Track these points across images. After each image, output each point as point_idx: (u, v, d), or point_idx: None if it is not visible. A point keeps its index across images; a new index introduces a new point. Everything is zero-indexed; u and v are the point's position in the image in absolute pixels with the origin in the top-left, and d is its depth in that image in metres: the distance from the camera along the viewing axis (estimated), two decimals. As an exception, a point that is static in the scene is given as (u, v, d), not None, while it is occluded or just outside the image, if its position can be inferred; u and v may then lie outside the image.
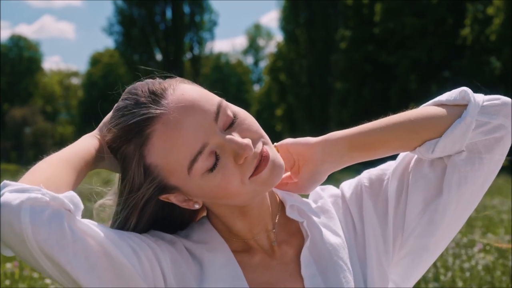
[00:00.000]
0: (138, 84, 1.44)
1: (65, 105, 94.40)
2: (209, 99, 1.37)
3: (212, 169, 1.34)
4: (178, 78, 1.45)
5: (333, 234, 1.52)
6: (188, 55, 53.81)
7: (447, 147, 1.46)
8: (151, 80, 1.45)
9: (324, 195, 1.61)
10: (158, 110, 1.34)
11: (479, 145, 1.48)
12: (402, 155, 1.58)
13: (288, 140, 1.53)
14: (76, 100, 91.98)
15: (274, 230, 1.51)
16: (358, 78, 38.76)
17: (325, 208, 1.58)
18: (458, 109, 1.48)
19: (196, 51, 54.00)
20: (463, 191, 1.47)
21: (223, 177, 1.35)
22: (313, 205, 1.59)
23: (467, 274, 6.88)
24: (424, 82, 36.65)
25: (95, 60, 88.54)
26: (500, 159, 1.50)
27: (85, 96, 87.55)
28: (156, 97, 1.36)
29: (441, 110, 1.49)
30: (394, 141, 1.48)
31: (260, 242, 1.51)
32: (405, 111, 1.53)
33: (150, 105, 1.35)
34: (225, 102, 1.39)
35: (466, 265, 7.23)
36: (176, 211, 1.53)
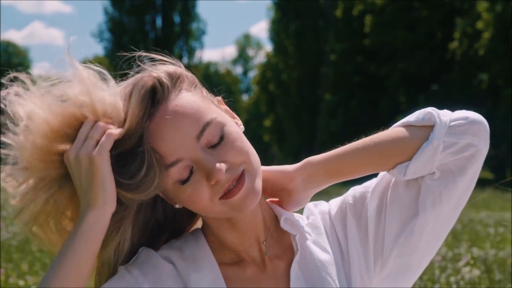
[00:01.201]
0: (150, 73, 1.43)
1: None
2: (200, 116, 1.37)
3: (184, 181, 1.37)
4: (189, 80, 1.46)
5: (322, 250, 1.54)
6: (178, 64, 53.91)
7: (418, 169, 1.47)
8: (169, 72, 1.44)
9: (315, 212, 1.63)
10: (153, 110, 1.37)
11: (451, 165, 1.48)
12: (382, 173, 1.58)
13: (263, 168, 1.52)
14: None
15: (265, 242, 1.52)
16: (347, 89, 38.84)
17: (315, 224, 1.59)
18: (426, 131, 1.48)
19: (185, 60, 54.04)
20: (438, 211, 1.48)
21: (193, 191, 1.38)
22: (306, 221, 1.61)
23: (454, 287, 6.90)
24: (413, 95, 36.76)
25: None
26: (474, 176, 1.51)
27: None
28: (156, 95, 1.38)
29: (409, 133, 1.49)
30: (367, 166, 1.50)
31: (252, 255, 1.52)
32: (380, 131, 1.55)
33: (149, 103, 1.37)
34: (216, 122, 1.38)
35: (452, 279, 7.25)
36: (169, 216, 1.57)
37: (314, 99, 43.99)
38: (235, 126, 1.44)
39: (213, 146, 1.38)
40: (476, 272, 7.58)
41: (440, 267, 8.07)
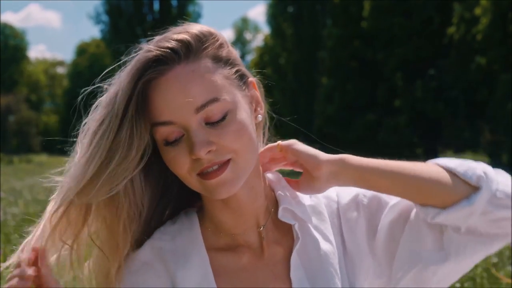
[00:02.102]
0: (180, 31, 1.41)
1: (50, 94, 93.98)
2: (209, 90, 1.33)
3: (168, 143, 1.35)
4: (219, 52, 1.41)
5: (324, 239, 1.49)
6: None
7: (447, 221, 1.42)
8: (197, 33, 1.39)
9: (318, 195, 1.57)
10: (167, 68, 1.34)
11: (481, 229, 1.42)
12: None
13: (297, 145, 1.49)
14: (61, 89, 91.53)
15: (263, 227, 1.49)
16: (344, 74, 38.79)
17: (318, 209, 1.55)
18: (469, 188, 1.41)
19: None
20: (457, 262, 1.44)
21: (175, 157, 1.35)
22: (307, 202, 1.55)
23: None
24: (410, 80, 36.74)
25: (81, 50, 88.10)
26: (500, 244, 1.45)
27: (70, 85, 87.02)
28: (178, 55, 1.35)
29: (452, 182, 1.42)
30: (399, 192, 1.46)
31: (249, 239, 1.48)
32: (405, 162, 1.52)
33: (170, 58, 1.34)
34: (223, 102, 1.33)
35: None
36: (173, 190, 1.54)
37: (311, 84, 43.91)
38: (246, 116, 1.38)
39: (211, 124, 1.33)
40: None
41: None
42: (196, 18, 56.69)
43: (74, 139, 1.48)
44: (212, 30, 1.43)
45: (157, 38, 1.41)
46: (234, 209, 1.46)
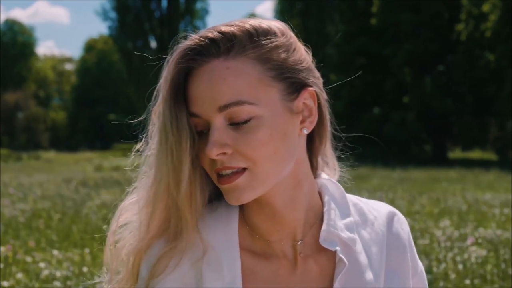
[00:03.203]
0: (233, 23, 1.30)
1: (58, 90, 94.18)
2: (237, 92, 1.23)
3: (198, 133, 1.29)
4: (267, 54, 1.28)
5: (369, 266, 1.39)
6: (183, 43, 53.81)
7: None
8: (249, 29, 1.29)
9: (383, 217, 1.47)
10: (204, 60, 1.26)
11: None
12: None
13: None
14: (69, 85, 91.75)
15: (300, 242, 1.38)
16: (352, 70, 38.76)
17: (377, 231, 1.44)
18: None
19: (190, 39, 54.02)
20: None
21: (200, 148, 1.29)
22: (360, 215, 1.45)
23: (460, 266, 6.93)
24: (419, 75, 36.69)
25: (89, 46, 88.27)
26: None
27: (79, 82, 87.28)
28: (218, 48, 1.26)
29: None
30: None
31: (285, 250, 1.38)
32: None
33: (208, 50, 1.27)
34: (248, 109, 1.23)
35: (458, 258, 7.28)
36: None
37: (319, 79, 43.84)
38: (278, 126, 1.26)
39: (235, 124, 1.25)
40: (483, 252, 7.62)
41: (446, 247, 8.10)
42: (203, 14, 56.67)
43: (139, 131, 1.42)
44: (277, 28, 1.32)
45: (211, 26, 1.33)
46: (269, 216, 1.36)
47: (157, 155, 1.31)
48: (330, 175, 1.47)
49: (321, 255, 1.38)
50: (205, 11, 56.94)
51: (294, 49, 1.33)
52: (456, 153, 45.03)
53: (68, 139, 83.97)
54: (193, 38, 1.29)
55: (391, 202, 12.44)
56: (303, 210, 1.37)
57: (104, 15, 52.73)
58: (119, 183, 19.32)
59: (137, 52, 44.06)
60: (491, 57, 33.63)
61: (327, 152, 1.47)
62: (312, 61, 1.39)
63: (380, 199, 1.58)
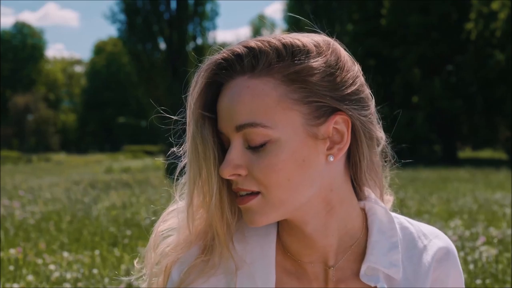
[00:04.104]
0: (265, 39, 1.25)
1: (67, 93, 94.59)
2: (250, 113, 1.18)
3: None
4: (293, 75, 1.20)
5: None
6: (191, 45, 53.82)
7: None
8: (278, 46, 1.22)
9: (431, 243, 1.38)
10: (229, 76, 1.22)
11: None
12: None
13: None
14: (79, 88, 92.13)
15: (332, 268, 1.32)
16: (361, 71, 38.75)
17: (423, 264, 1.35)
18: None
19: (199, 40, 54.01)
20: None
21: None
22: (417, 243, 1.37)
23: (471, 266, 6.91)
24: (428, 76, 36.62)
25: (99, 49, 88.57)
26: None
27: (88, 84, 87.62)
28: (242, 64, 1.21)
29: None
30: None
31: (317, 271, 1.32)
32: None
33: (233, 65, 1.22)
34: (263, 131, 1.18)
35: (469, 258, 7.26)
36: None
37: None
38: (297, 152, 1.20)
39: (252, 148, 1.20)
40: (494, 251, 7.59)
41: (457, 247, 8.08)
42: (213, 16, 56.67)
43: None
44: (315, 46, 1.25)
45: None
46: (299, 239, 1.31)
47: (188, 167, 1.28)
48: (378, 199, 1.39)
49: (356, 281, 1.32)
50: (215, 13, 56.88)
51: (333, 71, 1.24)
52: (466, 153, 44.92)
53: (78, 141, 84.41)
54: (223, 52, 1.24)
55: (401, 202, 12.43)
56: (336, 236, 1.31)
57: (113, 18, 52.78)
58: (128, 185, 19.38)
59: (146, 54, 44.10)
60: (501, 57, 33.52)
61: (373, 175, 1.36)
62: (363, 81, 1.33)
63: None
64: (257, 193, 1.21)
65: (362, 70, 1.38)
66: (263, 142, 1.18)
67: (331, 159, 1.23)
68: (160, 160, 1.52)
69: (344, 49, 1.33)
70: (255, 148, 1.19)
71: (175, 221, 1.37)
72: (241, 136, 1.20)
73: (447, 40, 36.38)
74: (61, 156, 54.18)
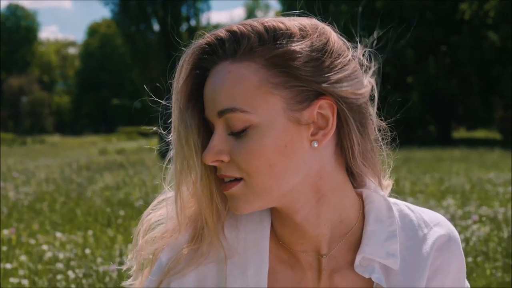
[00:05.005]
0: (247, 22, 1.21)
1: (62, 74, 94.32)
2: (231, 98, 1.17)
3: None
4: (288, 55, 1.17)
5: None
6: (185, 26, 53.57)
7: None
8: (260, 30, 1.18)
9: (431, 231, 1.33)
10: (213, 61, 1.20)
11: None
12: None
13: None
14: (73, 70, 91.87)
15: (325, 257, 1.29)
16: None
17: (422, 253, 1.31)
18: None
19: (193, 22, 53.77)
20: None
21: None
22: (417, 231, 1.33)
23: (463, 244, 6.95)
24: (422, 57, 36.61)
25: (93, 30, 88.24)
26: None
27: (82, 66, 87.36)
28: (224, 49, 1.19)
29: None
30: None
31: (310, 260, 1.30)
32: None
33: (215, 50, 1.20)
34: (244, 117, 1.16)
35: (462, 236, 7.31)
36: None
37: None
38: (278, 138, 1.17)
39: (233, 134, 1.18)
40: (485, 229, 7.64)
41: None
42: (207, -3, 56.43)
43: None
44: (300, 30, 1.21)
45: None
46: (291, 229, 1.28)
47: (173, 154, 1.27)
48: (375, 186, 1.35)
49: (351, 271, 1.29)
50: (208, -6, 56.74)
51: (320, 55, 1.20)
52: (460, 133, 45.01)
53: (72, 123, 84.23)
54: (207, 36, 1.21)
55: (395, 182, 12.44)
56: (329, 225, 1.28)
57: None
58: (123, 166, 19.39)
59: (140, 36, 43.91)
60: (495, 37, 33.50)
61: (368, 162, 1.31)
62: (356, 67, 1.29)
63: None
64: (240, 179, 1.20)
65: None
66: (244, 127, 1.16)
67: (315, 144, 1.20)
68: (154, 147, 1.49)
69: (340, 34, 1.31)
70: (237, 134, 1.17)
71: (164, 210, 1.35)
72: (223, 122, 1.18)
73: (442, 24, 36.34)
74: (56, 138, 54.09)
